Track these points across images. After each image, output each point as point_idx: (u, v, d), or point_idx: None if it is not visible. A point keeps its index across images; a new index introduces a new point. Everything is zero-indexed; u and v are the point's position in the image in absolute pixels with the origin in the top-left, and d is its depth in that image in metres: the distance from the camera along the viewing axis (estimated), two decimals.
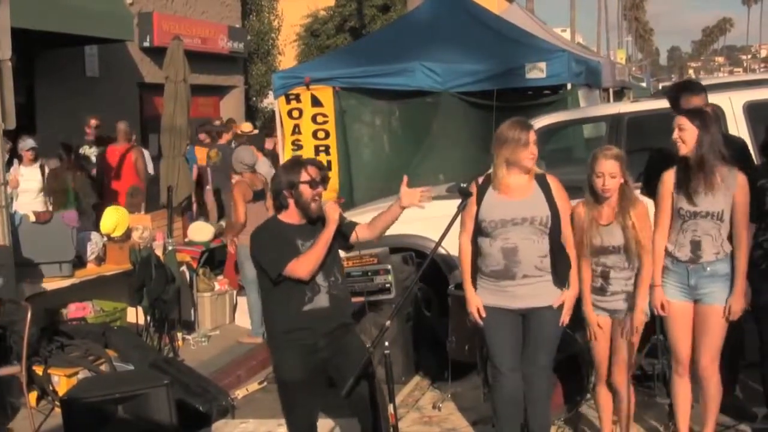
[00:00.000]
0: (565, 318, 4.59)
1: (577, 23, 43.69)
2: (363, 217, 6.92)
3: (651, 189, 4.93)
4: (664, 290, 4.64)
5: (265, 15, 21.65)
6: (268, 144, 11.71)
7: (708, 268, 4.56)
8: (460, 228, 4.60)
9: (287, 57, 23.82)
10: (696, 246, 4.56)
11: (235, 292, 8.73)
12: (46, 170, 8.99)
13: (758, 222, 4.72)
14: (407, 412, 5.94)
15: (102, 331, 6.87)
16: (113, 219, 7.88)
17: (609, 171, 4.54)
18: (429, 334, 6.83)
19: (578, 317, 4.74)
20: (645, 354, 5.53)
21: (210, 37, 16.35)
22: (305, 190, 4.38)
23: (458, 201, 4.51)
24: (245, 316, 8.05)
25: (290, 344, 4.37)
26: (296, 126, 10.26)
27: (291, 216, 4.44)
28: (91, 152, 10.39)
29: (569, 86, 9.44)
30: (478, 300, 4.59)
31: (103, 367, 6.44)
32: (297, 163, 4.53)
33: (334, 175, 10.15)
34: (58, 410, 5.54)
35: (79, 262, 7.47)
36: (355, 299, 5.67)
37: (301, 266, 4.28)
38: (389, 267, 6.59)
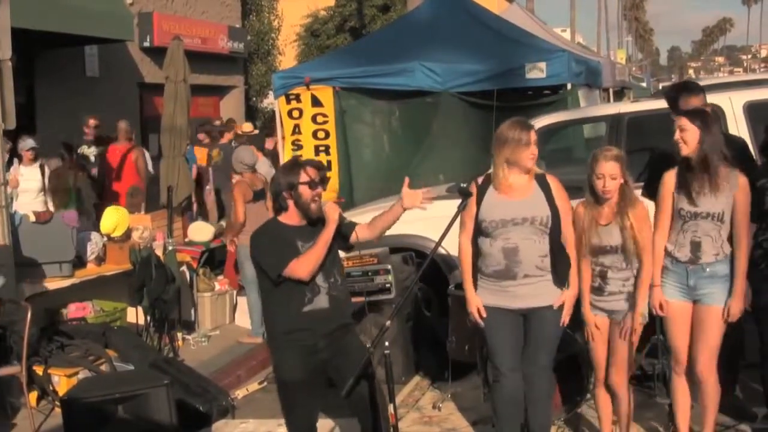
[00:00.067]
0: (566, 318, 4.59)
1: (577, 23, 43.70)
2: (363, 217, 6.91)
3: (652, 190, 4.93)
4: (663, 290, 4.65)
5: (265, 15, 21.65)
6: (269, 144, 11.72)
7: (707, 269, 4.56)
8: (460, 228, 4.60)
9: (287, 57, 23.82)
10: (696, 247, 4.56)
11: (235, 292, 8.73)
12: (46, 170, 8.99)
13: (758, 222, 4.72)
14: (407, 412, 5.94)
15: (102, 331, 6.87)
16: (113, 219, 7.88)
17: (609, 173, 4.54)
18: (429, 334, 6.83)
19: (578, 317, 4.75)
20: (645, 354, 5.54)
21: (210, 37, 16.35)
22: (304, 191, 4.38)
23: (458, 201, 4.51)
24: (245, 316, 8.06)
25: (290, 345, 4.37)
26: (296, 126, 10.26)
27: (291, 217, 4.44)
28: (89, 152, 10.38)
29: (569, 86, 9.44)
30: (478, 300, 4.59)
31: (103, 367, 6.44)
32: (296, 165, 4.52)
33: (334, 175, 10.16)
34: (58, 410, 5.54)
35: (79, 262, 7.47)
36: (354, 299, 5.66)
37: (301, 266, 4.28)
38: (389, 267, 6.59)
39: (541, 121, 6.91)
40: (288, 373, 4.42)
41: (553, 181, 4.60)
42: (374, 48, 10.71)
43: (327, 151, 10.24)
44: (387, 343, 4.06)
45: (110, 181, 10.44)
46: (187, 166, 9.80)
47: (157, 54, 13.65)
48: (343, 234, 4.51)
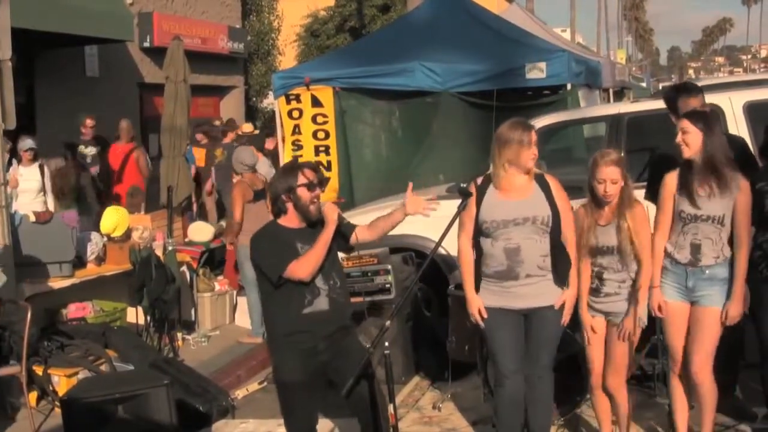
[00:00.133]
0: (566, 318, 4.59)
1: (577, 23, 43.73)
2: (363, 217, 6.92)
3: (653, 192, 4.92)
4: (661, 290, 4.64)
5: (265, 15, 21.64)
6: (269, 144, 11.73)
7: (707, 272, 4.56)
8: (459, 229, 4.59)
9: (287, 57, 23.82)
10: (696, 249, 4.55)
11: (235, 292, 8.73)
12: (46, 170, 8.99)
13: (758, 225, 4.71)
14: (407, 412, 5.94)
15: (102, 331, 6.87)
16: (113, 219, 7.88)
17: (610, 177, 4.54)
18: (429, 334, 6.82)
19: (578, 317, 4.75)
20: (645, 354, 5.54)
21: (210, 37, 16.35)
22: (303, 193, 4.38)
23: (458, 201, 4.51)
24: (245, 316, 8.06)
25: (290, 347, 4.37)
26: (296, 126, 10.27)
27: (290, 220, 4.44)
28: (87, 152, 10.38)
29: (569, 86, 9.44)
30: (479, 301, 4.58)
31: (103, 367, 6.44)
32: (293, 167, 4.53)
33: (334, 175, 10.17)
34: (58, 410, 5.54)
35: (79, 262, 7.47)
36: (354, 299, 5.67)
37: (302, 267, 4.28)
38: (389, 267, 6.59)
39: (541, 121, 6.91)
40: (288, 374, 4.42)
41: (552, 181, 4.60)
42: (374, 48, 10.71)
43: (327, 152, 10.24)
44: (387, 344, 4.06)
45: (112, 181, 10.45)
46: (187, 166, 9.80)
47: (157, 54, 13.65)
48: (342, 234, 4.51)
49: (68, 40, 11.80)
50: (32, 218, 7.20)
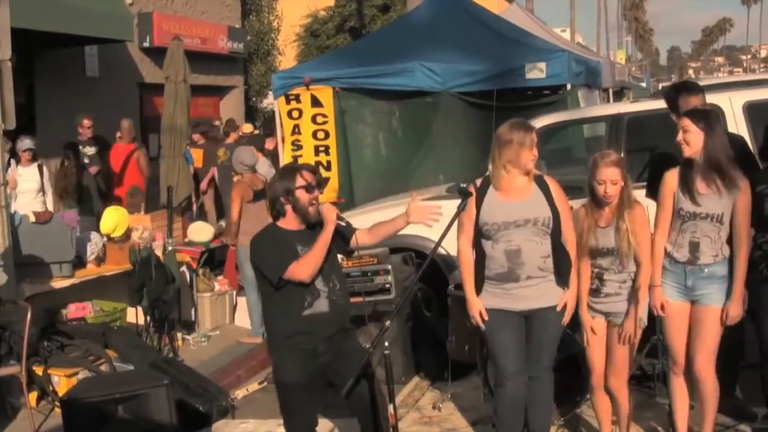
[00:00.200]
0: (566, 318, 4.59)
1: (577, 23, 43.75)
2: (363, 217, 6.95)
3: (653, 190, 4.92)
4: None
5: (265, 15, 21.65)
6: (269, 144, 11.74)
7: (706, 270, 4.56)
8: (458, 231, 4.59)
9: (287, 57, 23.83)
10: (694, 247, 4.56)
11: (235, 292, 8.73)
12: (45, 170, 8.98)
13: (758, 227, 4.71)
14: (407, 412, 5.94)
15: (102, 331, 6.87)
16: (113, 219, 7.88)
17: (610, 178, 4.54)
18: (429, 334, 6.82)
19: (578, 318, 4.74)
20: (645, 354, 5.54)
21: (210, 37, 16.35)
22: (302, 195, 4.38)
23: (458, 201, 4.51)
24: (245, 316, 8.06)
25: (290, 348, 4.37)
26: (296, 126, 10.26)
27: (289, 222, 4.44)
28: (85, 151, 10.37)
29: (569, 86, 9.44)
30: (479, 303, 4.57)
31: (103, 367, 6.44)
32: (291, 170, 4.53)
33: (333, 175, 10.17)
34: (58, 410, 5.54)
35: (79, 262, 7.47)
36: (354, 299, 5.66)
37: (302, 268, 4.28)
38: (389, 267, 6.59)
39: (541, 122, 6.92)
40: (288, 376, 4.42)
41: (551, 182, 4.60)
42: (374, 48, 10.71)
43: (327, 152, 10.24)
44: (387, 344, 4.06)
45: (113, 181, 10.44)
46: (188, 166, 9.81)
47: (157, 54, 13.65)
48: (342, 236, 4.51)
49: (68, 40, 11.80)
50: (32, 218, 7.20)
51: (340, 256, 4.73)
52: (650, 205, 4.88)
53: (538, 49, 10.16)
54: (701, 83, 6.63)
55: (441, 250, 4.83)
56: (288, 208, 4.41)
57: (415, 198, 4.43)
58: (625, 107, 7.32)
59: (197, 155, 11.86)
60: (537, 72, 9.34)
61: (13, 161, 8.77)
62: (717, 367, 4.65)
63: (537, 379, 4.59)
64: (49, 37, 10.94)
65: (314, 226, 4.42)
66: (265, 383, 6.69)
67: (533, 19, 17.88)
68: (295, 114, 10.24)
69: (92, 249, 7.61)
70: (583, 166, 4.79)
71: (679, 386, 4.75)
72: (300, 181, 4.39)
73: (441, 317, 6.60)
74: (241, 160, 7.86)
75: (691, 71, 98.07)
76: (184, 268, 8.28)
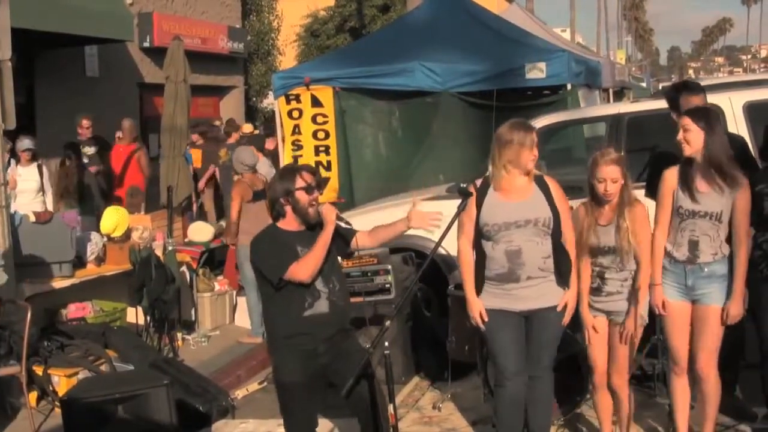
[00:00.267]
0: (567, 318, 4.59)
1: (577, 23, 43.76)
2: (363, 217, 6.95)
3: (653, 189, 4.92)
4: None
5: (265, 15, 21.66)
6: (269, 144, 11.74)
7: (706, 269, 4.57)
8: (459, 231, 4.58)
9: (287, 57, 23.84)
10: (694, 246, 4.56)
11: (235, 292, 8.73)
12: (44, 170, 8.99)
13: (757, 226, 4.71)
14: (407, 412, 5.94)
15: (102, 331, 6.87)
16: (113, 219, 7.88)
17: (611, 176, 4.54)
18: (429, 334, 6.82)
19: (578, 317, 4.74)
20: (645, 354, 5.54)
21: (210, 37, 16.35)
22: (301, 196, 4.38)
23: (458, 201, 4.51)
24: (245, 316, 8.05)
25: (290, 349, 4.37)
26: (296, 126, 10.26)
27: (289, 223, 4.44)
28: (84, 151, 10.37)
29: (569, 86, 9.44)
30: (480, 304, 4.57)
31: (103, 367, 6.44)
32: (291, 171, 4.53)
33: (333, 175, 10.17)
34: (58, 410, 5.54)
35: (79, 262, 7.47)
36: (354, 299, 5.66)
37: (302, 269, 4.28)
38: (389, 267, 6.59)
39: (541, 122, 6.92)
40: (288, 376, 4.42)
41: (551, 182, 4.60)
42: (374, 48, 10.71)
43: (327, 152, 10.24)
44: (387, 344, 4.06)
45: (114, 181, 10.44)
46: (187, 166, 9.80)
47: (157, 54, 13.66)
48: (342, 237, 4.51)
49: (68, 40, 11.81)
50: (32, 218, 7.20)
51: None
52: (650, 205, 4.87)
53: (538, 49, 10.16)
54: (701, 83, 6.63)
55: (441, 250, 4.83)
56: (288, 209, 4.41)
57: (416, 203, 4.44)
58: (625, 107, 7.32)
59: (196, 155, 11.86)
60: (537, 72, 9.34)
61: (12, 161, 8.77)
62: (718, 367, 4.66)
63: (537, 379, 4.59)
64: (49, 37, 10.95)
65: (314, 226, 4.43)
66: (265, 383, 6.69)
67: (533, 19, 17.88)
68: (296, 114, 10.24)
69: (92, 249, 7.61)
70: (583, 166, 4.79)
71: (679, 386, 4.74)
72: (300, 183, 4.39)
73: (441, 317, 6.60)
74: (242, 160, 7.86)
75: (691, 71, 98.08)
76: (184, 268, 8.28)
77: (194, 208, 11.38)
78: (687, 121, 4.55)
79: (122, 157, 10.56)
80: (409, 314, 6.74)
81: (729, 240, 4.58)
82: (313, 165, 9.74)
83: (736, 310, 4.55)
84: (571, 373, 5.22)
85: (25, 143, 8.80)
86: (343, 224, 4.51)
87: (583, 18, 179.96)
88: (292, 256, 4.31)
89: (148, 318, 7.40)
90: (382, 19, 24.38)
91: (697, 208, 4.52)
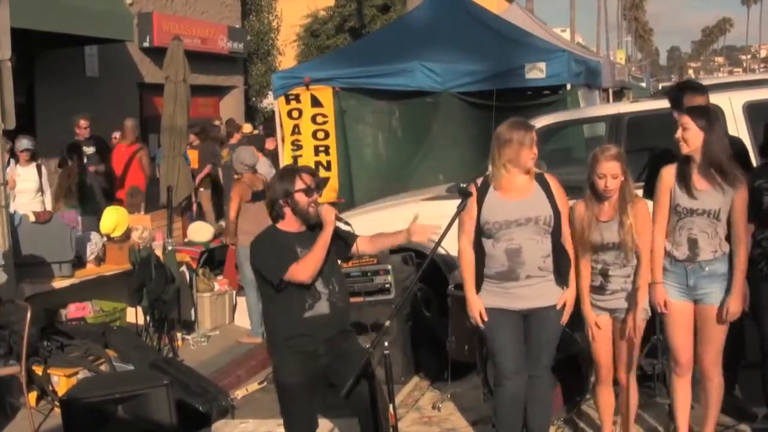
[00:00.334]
0: (566, 317, 4.59)
1: (577, 23, 43.72)
2: (363, 217, 6.95)
3: (651, 189, 4.92)
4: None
5: (264, 15, 21.67)
6: (269, 144, 11.75)
7: (706, 268, 4.56)
8: (459, 230, 4.58)
9: (287, 57, 23.85)
10: (693, 244, 4.55)
11: (234, 292, 8.73)
12: (44, 170, 8.98)
13: (756, 222, 4.72)
14: (407, 412, 5.94)
15: (102, 331, 6.87)
16: (113, 219, 7.88)
17: (611, 172, 4.53)
18: (429, 334, 6.82)
19: (578, 317, 4.74)
20: (645, 354, 5.53)
21: (210, 37, 16.36)
22: (301, 198, 4.38)
23: (458, 201, 4.51)
24: (245, 316, 8.06)
25: (291, 350, 4.37)
26: (296, 126, 10.26)
27: (289, 224, 4.44)
28: (84, 151, 10.36)
29: (569, 86, 9.44)
30: (480, 304, 4.57)
31: (102, 367, 6.44)
32: (290, 172, 4.52)
33: (333, 175, 10.17)
34: (57, 410, 5.53)
35: (79, 262, 7.46)
36: (354, 299, 5.66)
37: (302, 269, 4.28)
38: (389, 267, 6.59)
39: (541, 121, 6.91)
40: (288, 377, 4.42)
41: (552, 180, 4.60)
42: (374, 48, 10.71)
43: (327, 152, 10.24)
44: (387, 344, 4.06)
45: (115, 181, 10.44)
46: (187, 166, 9.80)
47: (157, 54, 13.66)
48: (344, 240, 4.52)
49: (68, 40, 11.81)
50: (32, 218, 7.20)
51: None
52: (650, 205, 4.87)
53: (537, 49, 10.16)
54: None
55: (441, 250, 4.83)
56: (287, 210, 4.41)
57: (417, 217, 4.45)
58: (625, 107, 7.32)
59: (193, 156, 11.84)
60: (537, 72, 9.34)
61: (12, 161, 8.77)
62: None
63: (536, 379, 4.58)
64: (49, 37, 10.95)
65: (314, 227, 4.43)
66: (265, 383, 6.69)
67: (533, 19, 17.89)
68: (295, 114, 10.24)
69: (92, 249, 7.61)
70: (583, 166, 4.78)
71: (680, 386, 4.73)
72: (299, 184, 4.38)
73: (441, 317, 6.60)
74: (242, 160, 7.86)
75: (691, 71, 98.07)
76: (183, 268, 8.28)
77: (194, 208, 11.37)
78: (686, 120, 4.55)
79: (124, 157, 10.57)
80: (409, 314, 6.74)
81: (729, 239, 4.58)
82: (313, 165, 9.76)
83: (736, 306, 4.54)
84: (571, 373, 5.22)
85: (23, 143, 8.80)
86: (342, 225, 4.51)
87: (583, 18, 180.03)
88: (291, 257, 4.31)
89: (148, 318, 7.40)
90: (381, 19, 24.39)
91: (695, 206, 4.52)
